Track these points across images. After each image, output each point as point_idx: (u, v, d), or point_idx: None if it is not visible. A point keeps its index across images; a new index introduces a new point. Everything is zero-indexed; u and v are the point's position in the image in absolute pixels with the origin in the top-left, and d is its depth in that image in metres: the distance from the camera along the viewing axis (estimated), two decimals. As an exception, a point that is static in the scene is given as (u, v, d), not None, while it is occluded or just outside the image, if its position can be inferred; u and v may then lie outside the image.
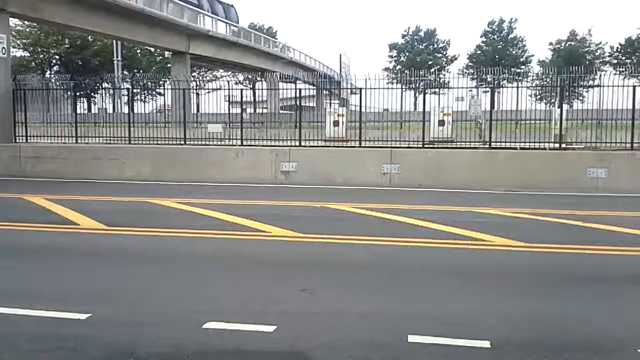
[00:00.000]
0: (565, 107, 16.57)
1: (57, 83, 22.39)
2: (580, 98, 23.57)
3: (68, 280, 5.95)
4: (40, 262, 6.66)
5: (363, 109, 16.38)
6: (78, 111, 19.87)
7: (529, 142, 14.93)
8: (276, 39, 64.76)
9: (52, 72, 60.03)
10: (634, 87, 14.43)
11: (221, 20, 42.37)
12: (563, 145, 14.76)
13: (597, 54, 64.34)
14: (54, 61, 62.48)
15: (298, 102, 17.99)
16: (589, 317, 4.76)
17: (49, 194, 11.60)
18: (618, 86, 15.01)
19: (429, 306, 5.04)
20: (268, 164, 14.42)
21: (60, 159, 15.49)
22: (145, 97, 52.32)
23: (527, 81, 52.66)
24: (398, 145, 15.40)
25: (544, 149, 14.66)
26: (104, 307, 4.94)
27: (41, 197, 11.10)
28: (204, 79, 68.51)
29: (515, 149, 14.64)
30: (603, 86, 15.45)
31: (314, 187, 13.35)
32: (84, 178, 14.63)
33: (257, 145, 15.95)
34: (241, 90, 20.76)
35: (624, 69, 46.14)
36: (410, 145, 15.57)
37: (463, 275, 6.09)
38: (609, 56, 63.65)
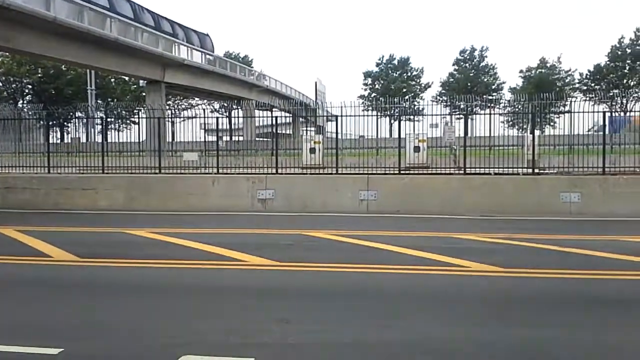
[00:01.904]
0: (537, 132, 16.86)
1: (30, 112, 22.13)
2: (552, 124, 24.05)
3: (40, 313, 5.78)
4: (11, 296, 6.47)
5: (339, 136, 16.47)
6: (51, 141, 19.62)
7: (503, 168, 15.12)
8: (252, 67, 65.07)
9: (25, 102, 59.37)
10: (604, 112, 14.81)
11: (196, 49, 42.48)
12: (536, 171, 14.97)
13: (567, 80, 65.89)
14: (27, 90, 61.84)
15: (274, 130, 18.01)
16: (566, 344, 4.77)
17: (20, 225, 11.34)
18: (588, 112, 15.38)
19: (408, 334, 5.00)
20: (245, 191, 14.34)
21: (32, 189, 15.21)
22: (119, 126, 51.98)
23: (499, 108, 53.59)
24: (374, 172, 15.46)
25: (518, 174, 14.86)
26: (76, 341, 4.81)
27: (12, 229, 10.84)
28: (179, 107, 68.34)
29: (490, 174, 14.81)
30: (574, 112, 15.78)
31: (291, 214, 13.29)
32: (56, 209, 14.37)
33: (233, 174, 15.88)
34: (217, 118, 20.69)
35: (593, 95, 47.38)
36: (386, 172, 15.65)
37: (442, 301, 6.07)
38: (578, 83, 65.20)
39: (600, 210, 12.70)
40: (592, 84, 63.16)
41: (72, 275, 7.57)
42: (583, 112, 15.46)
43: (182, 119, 24.97)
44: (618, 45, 63.04)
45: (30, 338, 4.88)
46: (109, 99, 61.38)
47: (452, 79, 70.08)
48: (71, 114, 23.58)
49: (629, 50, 62.13)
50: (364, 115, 17.90)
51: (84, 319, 5.55)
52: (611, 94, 51.89)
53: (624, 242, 9.42)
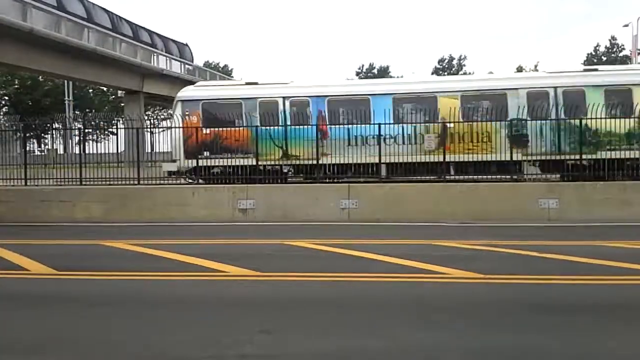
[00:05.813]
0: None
1: (6, 124, 21.79)
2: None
3: (15, 327, 5.65)
4: (-15, 311, 6.33)
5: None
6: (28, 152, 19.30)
7: (483, 175, 15.23)
8: (232, 76, 65.01)
9: (1, 113, 58.58)
10: (580, 119, 14.99)
11: (175, 59, 42.36)
12: (515, 177, 15.12)
13: (543, 88, 66.76)
14: (3, 102, 61.05)
15: (256, 140, 17.85)
16: (546, 349, 4.78)
17: (-5, 238, 11.14)
18: (564, 119, 15.56)
19: (391, 342, 4.97)
20: (225, 202, 14.24)
21: (8, 202, 14.95)
22: (97, 137, 51.47)
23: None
24: (355, 180, 15.48)
25: (497, 181, 14.98)
26: (51, 355, 4.72)
27: (-13, 243, 10.64)
28: (159, 117, 67.96)
29: (470, 181, 14.91)
30: (551, 119, 15.95)
31: (273, 224, 13.23)
32: (32, 222, 14.13)
33: (213, 183, 15.78)
34: (196, 128, 20.57)
35: (569, 103, 47.95)
36: (367, 180, 15.68)
37: (424, 309, 6.06)
38: (554, 90, 66.10)
39: (577, 216, 12.83)
40: (568, 92, 64.04)
41: (49, 288, 7.43)
42: (558, 119, 15.68)
43: (161, 129, 24.82)
44: (594, 53, 64.19)
45: (4, 352, 4.78)
46: (87, 110, 60.83)
47: (431, 87, 70.58)
48: (48, 125, 23.24)
49: (604, 58, 63.24)
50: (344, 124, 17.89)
51: (61, 332, 5.43)
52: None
53: (603, 247, 9.51)
